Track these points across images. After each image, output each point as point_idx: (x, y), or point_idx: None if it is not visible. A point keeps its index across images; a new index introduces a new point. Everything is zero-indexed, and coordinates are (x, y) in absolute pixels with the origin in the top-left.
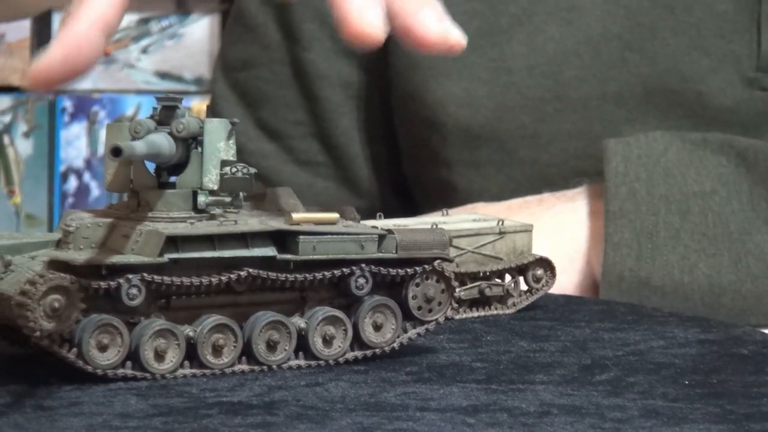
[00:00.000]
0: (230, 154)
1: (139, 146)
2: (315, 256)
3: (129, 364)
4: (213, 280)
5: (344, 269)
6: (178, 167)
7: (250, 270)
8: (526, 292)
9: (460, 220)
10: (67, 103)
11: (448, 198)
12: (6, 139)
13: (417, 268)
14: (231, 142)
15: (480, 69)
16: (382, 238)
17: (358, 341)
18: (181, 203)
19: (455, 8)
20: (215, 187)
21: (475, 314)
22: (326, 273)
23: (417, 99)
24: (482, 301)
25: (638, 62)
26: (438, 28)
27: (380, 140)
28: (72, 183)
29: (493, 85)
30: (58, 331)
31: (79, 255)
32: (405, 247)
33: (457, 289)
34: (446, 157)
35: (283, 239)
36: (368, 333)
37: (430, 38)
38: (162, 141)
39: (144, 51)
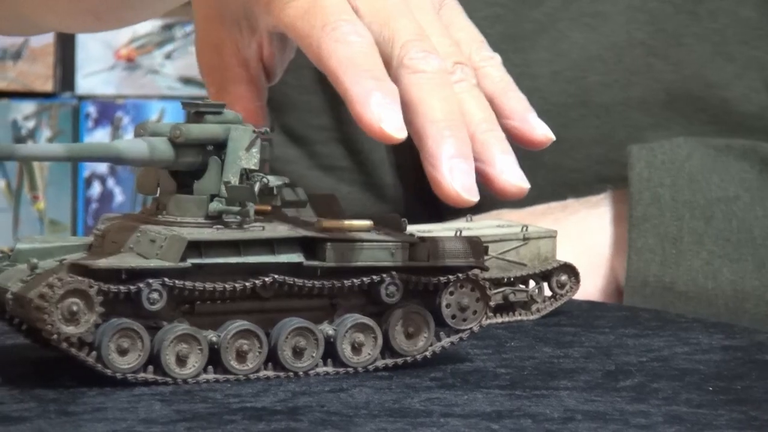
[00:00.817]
0: (252, 163)
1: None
2: (343, 264)
3: (150, 368)
4: (237, 285)
5: (374, 277)
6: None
7: (276, 276)
8: (550, 297)
9: (484, 226)
10: (91, 109)
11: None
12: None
13: (450, 277)
14: (254, 150)
15: None
16: (413, 245)
17: (389, 349)
18: (195, 209)
19: (478, 13)
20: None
21: (499, 320)
22: (355, 280)
23: None
24: (506, 306)
25: (662, 68)
26: (517, 184)
27: (404, 146)
28: (96, 189)
29: None
30: (77, 334)
31: (100, 259)
32: (437, 255)
33: None
34: None
35: (314, 246)
36: (399, 341)
37: (508, 192)
38: (132, 145)
39: (168, 56)
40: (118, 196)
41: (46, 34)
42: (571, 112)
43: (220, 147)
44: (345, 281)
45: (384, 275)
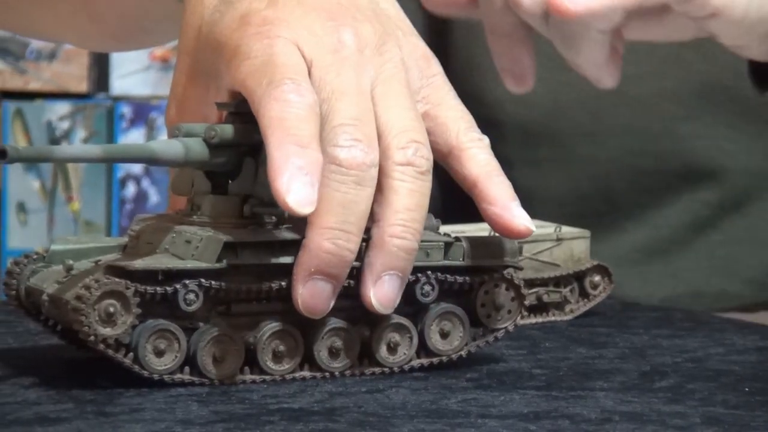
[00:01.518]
0: None
1: (37, 149)
2: None
3: (187, 369)
4: (273, 286)
5: (409, 277)
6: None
7: None
8: (583, 298)
9: None
10: (126, 110)
11: None
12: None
13: (485, 277)
14: None
15: (537, 67)
16: (448, 245)
17: (424, 349)
18: (230, 210)
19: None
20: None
21: (533, 321)
22: None
23: (476, 99)
24: (540, 307)
25: (694, 59)
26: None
27: None
28: (130, 189)
29: (549, 83)
30: (114, 336)
31: (136, 260)
32: (472, 255)
33: None
34: (506, 156)
35: (359, 248)
36: (435, 340)
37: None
38: (167, 146)
39: None
40: (153, 197)
41: None
42: (603, 103)
43: (254, 148)
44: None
45: (419, 275)
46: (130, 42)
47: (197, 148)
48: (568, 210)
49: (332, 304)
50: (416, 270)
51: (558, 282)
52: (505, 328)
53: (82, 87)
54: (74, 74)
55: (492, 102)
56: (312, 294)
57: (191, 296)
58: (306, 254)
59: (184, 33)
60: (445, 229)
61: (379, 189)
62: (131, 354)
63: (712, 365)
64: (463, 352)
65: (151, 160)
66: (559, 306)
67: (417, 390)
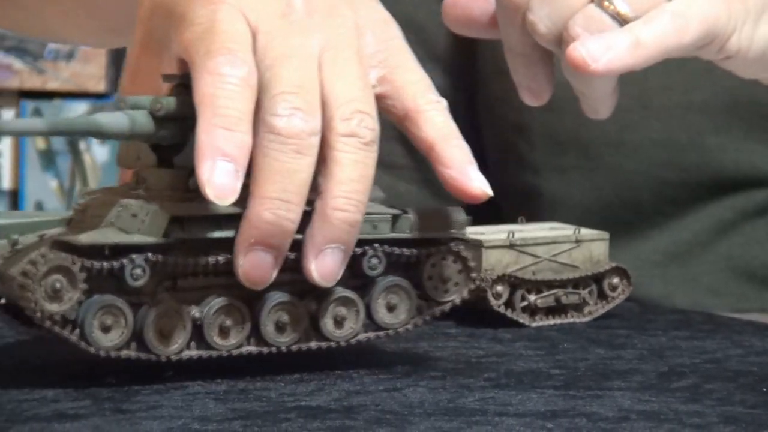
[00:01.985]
0: None
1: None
2: None
3: (134, 345)
4: (219, 259)
5: (356, 249)
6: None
7: None
8: (601, 300)
9: (537, 228)
10: None
11: (532, 203)
12: (82, 145)
13: (432, 249)
14: None
15: (562, 73)
16: (396, 218)
17: (372, 322)
18: (175, 183)
19: None
20: None
21: (552, 322)
22: None
23: (504, 103)
24: (558, 309)
25: (724, 72)
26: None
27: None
28: None
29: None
30: (60, 312)
31: (82, 235)
32: (420, 227)
33: (533, 297)
34: (533, 162)
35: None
36: (381, 314)
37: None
38: (113, 119)
39: None
40: None
41: None
42: (631, 114)
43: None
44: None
45: (366, 248)
46: (129, 35)
47: (142, 120)
48: (592, 218)
49: (274, 274)
50: (363, 243)
51: (576, 284)
52: (452, 300)
53: (100, 87)
54: (92, 74)
55: (520, 106)
56: (253, 265)
57: (138, 271)
58: (246, 225)
59: (139, 1)
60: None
61: (323, 161)
62: (77, 331)
63: (731, 366)
64: (409, 326)
65: (97, 134)
66: (578, 308)
67: (435, 389)
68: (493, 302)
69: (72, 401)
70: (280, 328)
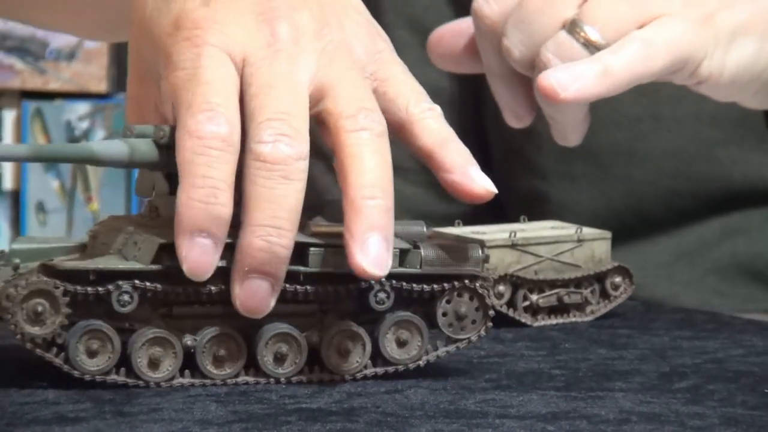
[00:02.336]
0: None
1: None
2: (325, 269)
3: (123, 371)
4: (213, 289)
5: (362, 283)
6: None
7: None
8: (604, 299)
9: (539, 228)
10: None
11: (539, 208)
12: None
13: (446, 285)
14: None
15: None
16: (405, 252)
17: (381, 357)
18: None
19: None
20: None
21: (553, 321)
22: (340, 287)
23: None
24: (560, 308)
25: None
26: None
27: (471, 148)
28: None
29: None
30: (42, 335)
31: (71, 260)
32: (430, 262)
33: (535, 297)
34: (541, 167)
35: (301, 251)
36: (390, 349)
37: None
38: (109, 146)
39: None
40: None
41: None
42: (642, 124)
43: None
44: (330, 287)
45: (373, 282)
46: (121, 34)
47: (144, 148)
48: (599, 226)
49: (272, 302)
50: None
51: (579, 283)
52: (468, 338)
53: (102, 87)
54: (94, 74)
55: None
56: (249, 294)
57: (125, 297)
58: (239, 254)
59: (130, 28)
60: (466, 230)
61: (340, 162)
62: (63, 354)
63: (732, 366)
64: (421, 362)
65: (90, 161)
66: (580, 307)
67: (436, 390)
68: (495, 302)
69: (73, 404)
70: (278, 359)
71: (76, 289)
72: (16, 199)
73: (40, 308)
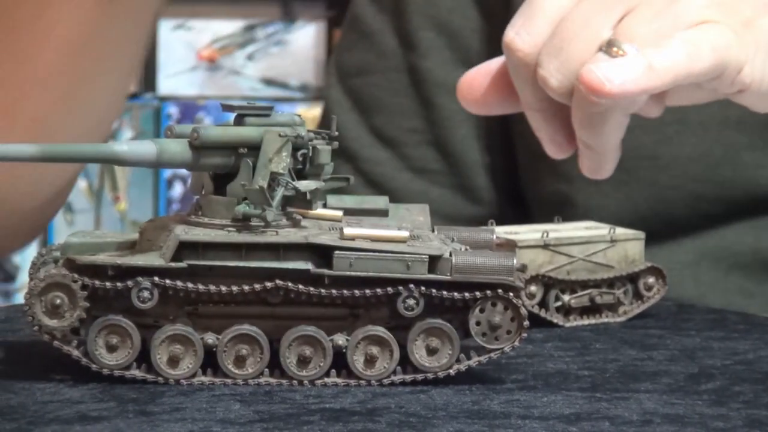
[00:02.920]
0: (280, 167)
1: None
2: (351, 273)
3: (144, 367)
4: (234, 289)
5: (389, 289)
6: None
7: (279, 282)
8: (637, 300)
9: (573, 228)
10: (173, 110)
11: (564, 212)
12: None
13: (478, 294)
14: (284, 154)
15: None
16: (435, 259)
17: (411, 364)
18: (225, 211)
19: None
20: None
21: (586, 322)
22: (368, 291)
23: None
24: (593, 309)
25: None
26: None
27: (498, 150)
28: (177, 189)
29: None
30: (60, 328)
31: (97, 255)
32: (461, 270)
33: (567, 297)
34: (566, 172)
35: (329, 254)
36: (419, 356)
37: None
38: (135, 147)
39: (249, 58)
40: None
41: None
42: (668, 128)
43: (257, 149)
44: (356, 291)
45: (401, 288)
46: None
47: (175, 149)
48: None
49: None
50: (396, 282)
51: (611, 283)
52: (502, 349)
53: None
54: None
55: None
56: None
57: (145, 294)
58: None
59: None
60: (499, 230)
61: None
62: (82, 348)
63: (761, 368)
64: (451, 371)
65: (113, 161)
66: (613, 308)
67: (461, 391)
68: (527, 302)
69: (96, 403)
70: (302, 361)
71: (94, 284)
72: None
73: (58, 301)
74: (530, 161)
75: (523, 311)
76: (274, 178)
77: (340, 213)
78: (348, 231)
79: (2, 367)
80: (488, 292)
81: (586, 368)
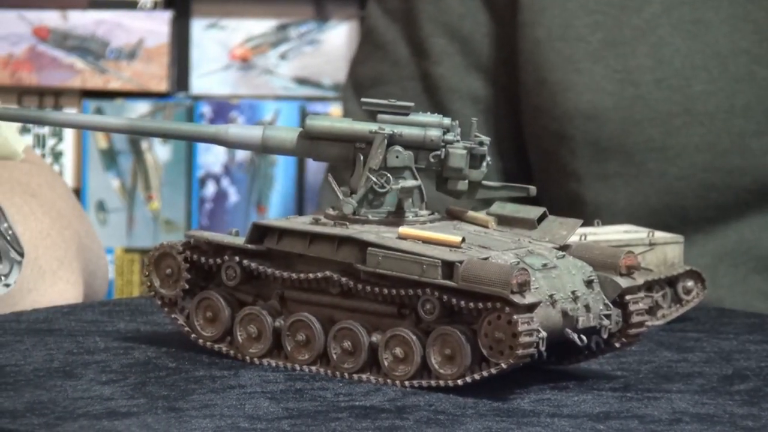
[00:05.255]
0: (373, 163)
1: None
2: (378, 270)
3: (229, 342)
4: (293, 276)
5: (409, 290)
6: None
7: (328, 273)
8: (675, 303)
9: (611, 231)
10: (206, 109)
11: (576, 211)
12: (144, 145)
13: (480, 305)
14: (379, 150)
15: (605, 81)
16: (449, 265)
17: (427, 370)
18: (338, 203)
19: (579, 21)
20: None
21: None
22: (393, 290)
23: (546, 113)
24: None
25: (766, 76)
26: None
27: (509, 154)
28: (210, 189)
29: (619, 98)
30: (168, 296)
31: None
32: (467, 278)
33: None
34: (575, 170)
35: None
36: (434, 362)
37: None
38: (243, 131)
39: (282, 57)
40: (233, 196)
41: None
42: (675, 119)
43: (368, 143)
44: (385, 290)
45: (418, 290)
46: None
47: (283, 137)
48: (636, 224)
49: None
50: (415, 284)
51: (650, 287)
52: (499, 365)
53: (162, 86)
54: (154, 73)
55: (562, 116)
56: None
57: (230, 272)
58: None
59: None
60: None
61: None
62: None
63: None
64: (459, 381)
65: (216, 141)
66: (651, 311)
67: (492, 389)
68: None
69: (127, 399)
70: (346, 354)
71: (192, 258)
72: (77, 197)
73: (168, 271)
74: (541, 162)
75: (521, 327)
76: (370, 173)
77: (490, 218)
78: (402, 230)
79: (35, 364)
80: (489, 304)
81: (620, 369)
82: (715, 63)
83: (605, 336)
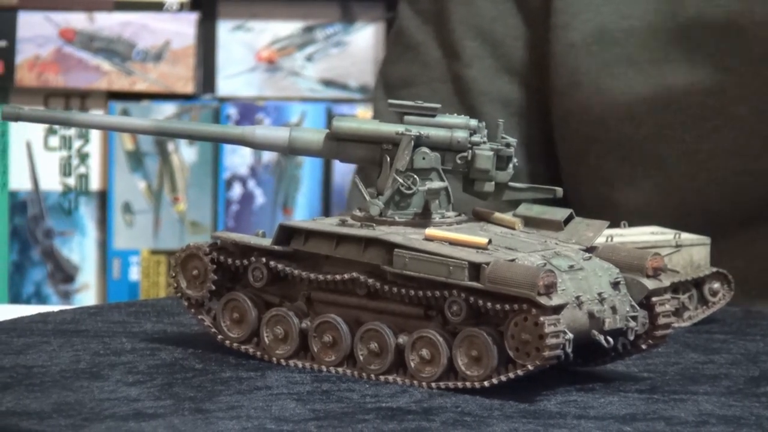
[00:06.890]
0: (400, 164)
1: None
2: (405, 271)
3: (256, 343)
4: (319, 277)
5: (436, 292)
6: None
7: (355, 274)
8: (702, 305)
9: (638, 233)
10: (232, 111)
11: (606, 214)
12: (171, 147)
13: (507, 307)
14: (406, 152)
15: (640, 86)
16: (476, 267)
17: (453, 371)
18: (365, 204)
19: (614, 25)
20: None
21: None
22: (419, 292)
23: (578, 116)
24: None
25: None
26: None
27: (540, 157)
28: (236, 190)
29: (653, 102)
30: (195, 297)
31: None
32: (493, 279)
33: None
34: (605, 173)
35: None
36: (461, 363)
37: None
38: (270, 132)
39: (309, 59)
40: (259, 198)
41: (186, 36)
42: (707, 123)
43: (395, 145)
44: (402, 290)
45: (445, 292)
46: None
47: (309, 138)
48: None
49: None
50: (442, 286)
51: (676, 288)
52: (526, 366)
53: (189, 88)
54: (180, 75)
55: (595, 119)
56: None
57: (257, 273)
58: None
59: None
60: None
61: None
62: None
63: None
64: (486, 383)
65: (244, 142)
66: (677, 312)
67: (518, 390)
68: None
69: (153, 400)
70: (373, 355)
71: (219, 259)
72: (102, 199)
73: (195, 272)
74: (571, 165)
75: (548, 329)
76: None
77: (517, 219)
78: (429, 231)
79: (62, 365)
80: (515, 306)
81: (646, 371)
82: (748, 68)
83: (632, 338)
